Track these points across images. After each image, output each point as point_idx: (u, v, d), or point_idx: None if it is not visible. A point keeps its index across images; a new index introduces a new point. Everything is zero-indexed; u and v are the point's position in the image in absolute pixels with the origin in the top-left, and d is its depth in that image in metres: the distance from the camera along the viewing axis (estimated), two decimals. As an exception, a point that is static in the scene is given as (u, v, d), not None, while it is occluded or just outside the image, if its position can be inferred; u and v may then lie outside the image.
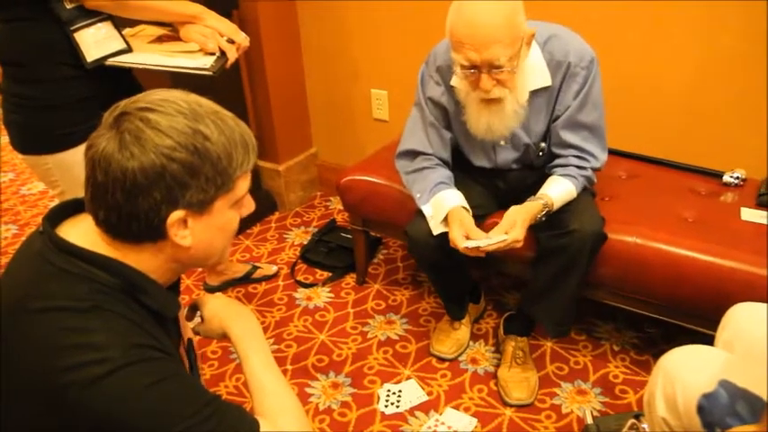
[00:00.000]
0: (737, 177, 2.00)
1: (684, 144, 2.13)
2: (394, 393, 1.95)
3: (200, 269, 2.50)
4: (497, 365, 2.00)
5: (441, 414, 1.87)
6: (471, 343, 2.13)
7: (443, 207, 1.73)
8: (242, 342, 1.12)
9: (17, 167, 3.53)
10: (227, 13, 2.30)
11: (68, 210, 1.00)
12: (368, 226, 2.31)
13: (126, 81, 1.72)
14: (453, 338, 2.09)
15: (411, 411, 1.88)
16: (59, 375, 0.83)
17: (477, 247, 1.61)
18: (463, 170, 1.90)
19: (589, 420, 1.70)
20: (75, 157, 1.59)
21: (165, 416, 0.87)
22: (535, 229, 1.73)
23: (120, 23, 1.66)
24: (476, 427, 1.83)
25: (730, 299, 1.42)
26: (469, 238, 1.65)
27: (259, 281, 2.49)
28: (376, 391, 1.96)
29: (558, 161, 1.79)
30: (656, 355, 1.38)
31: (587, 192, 1.82)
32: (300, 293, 2.42)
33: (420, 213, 1.81)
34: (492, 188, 1.94)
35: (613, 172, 2.09)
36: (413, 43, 2.46)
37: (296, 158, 2.95)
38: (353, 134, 2.90)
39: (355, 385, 1.99)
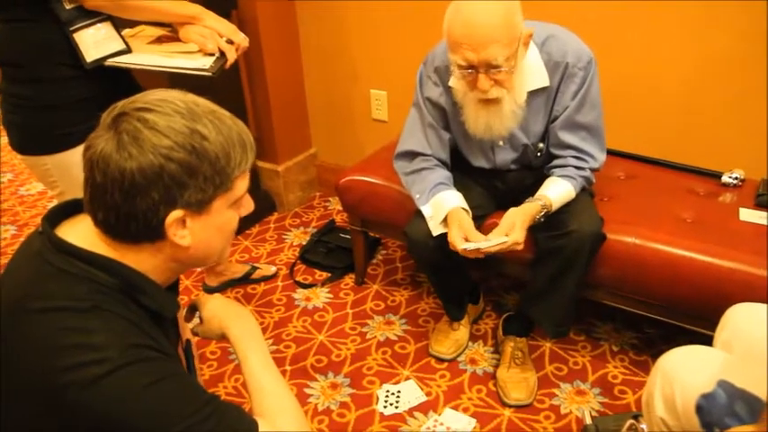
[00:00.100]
0: (736, 178, 2.00)
1: (683, 144, 2.13)
2: (393, 394, 1.95)
3: (198, 270, 2.50)
4: (496, 366, 2.00)
5: (440, 414, 1.87)
6: (470, 343, 2.13)
7: (443, 208, 1.73)
8: (241, 343, 1.12)
9: (16, 168, 3.52)
10: (226, 14, 2.30)
11: (67, 210, 1.00)
12: (367, 226, 2.31)
13: (125, 82, 1.72)
14: (452, 339, 2.09)
15: (410, 412, 1.88)
16: (59, 375, 0.83)
17: (477, 249, 1.61)
18: (462, 171, 1.90)
19: (588, 421, 1.70)
20: (74, 158, 1.59)
21: (164, 416, 0.87)
22: (534, 229, 1.73)
23: (119, 24, 1.66)
24: (475, 427, 1.83)
25: (729, 299, 1.42)
26: (468, 239, 1.65)
27: (258, 281, 2.49)
28: (375, 391, 1.96)
29: (556, 162, 1.79)
30: (655, 356, 1.38)
31: (586, 192, 1.83)
32: (299, 294, 2.42)
33: (419, 214, 1.81)
34: (491, 189, 1.94)
35: (612, 172, 2.10)
36: (412, 44, 2.46)
37: (295, 159, 2.95)
38: (353, 135, 2.91)
39: (354, 386, 1.99)
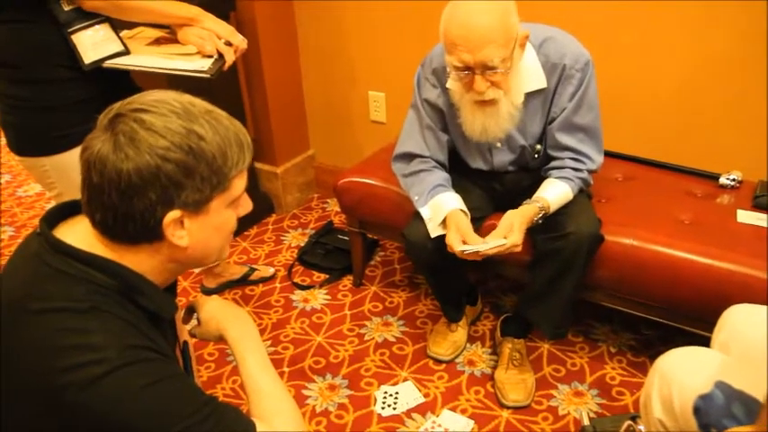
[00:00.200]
0: (734, 179, 2.01)
1: (681, 146, 2.14)
2: (391, 395, 1.95)
3: (196, 271, 2.50)
4: (494, 367, 2.01)
5: (437, 416, 1.87)
6: (468, 345, 2.13)
7: (442, 210, 1.73)
8: (239, 344, 1.12)
9: (14, 169, 3.52)
10: (224, 15, 2.31)
11: (65, 211, 1.00)
12: (365, 228, 2.31)
13: (124, 83, 1.72)
14: (450, 340, 2.09)
15: (408, 413, 1.88)
16: (57, 376, 0.83)
17: (477, 252, 1.61)
18: (460, 172, 1.90)
19: (586, 422, 1.71)
20: (72, 159, 1.58)
21: (162, 416, 0.87)
22: (532, 231, 1.73)
23: (118, 25, 1.66)
24: (473, 428, 1.83)
25: (727, 301, 1.42)
26: (466, 242, 1.65)
27: (256, 283, 2.49)
28: (373, 393, 1.96)
29: (553, 163, 1.79)
30: (653, 357, 1.38)
31: (584, 194, 1.83)
32: (297, 295, 2.42)
33: (417, 216, 1.81)
34: (489, 190, 1.94)
35: (610, 174, 2.10)
36: (411, 45, 2.46)
37: (293, 160, 2.95)
38: (351, 136, 2.91)
39: (352, 387, 1.99)
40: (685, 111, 2.09)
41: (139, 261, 0.95)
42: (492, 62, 1.53)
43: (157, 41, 1.75)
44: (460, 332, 2.11)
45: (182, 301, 2.33)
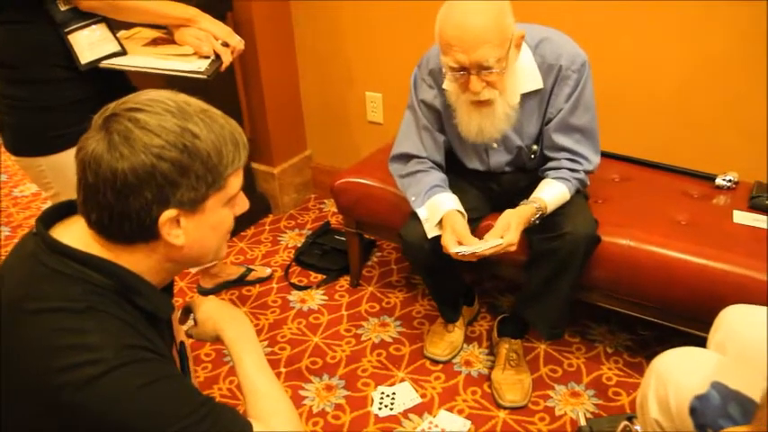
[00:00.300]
0: (730, 180, 2.01)
1: (677, 147, 2.14)
2: (388, 396, 1.95)
3: (193, 271, 2.50)
4: (491, 368, 2.01)
5: (434, 416, 1.87)
6: (465, 345, 2.13)
7: (439, 210, 1.74)
8: (235, 345, 1.12)
9: (10, 169, 3.51)
10: (221, 16, 2.30)
11: (62, 211, 1.00)
12: (362, 228, 2.31)
13: (120, 83, 1.72)
14: (447, 341, 2.09)
15: (405, 414, 1.88)
16: (55, 376, 0.83)
17: (473, 252, 1.62)
18: (457, 173, 1.90)
19: (582, 422, 1.71)
20: (68, 159, 1.58)
21: (159, 416, 0.87)
22: (528, 232, 1.73)
23: (115, 26, 1.66)
24: (469, 429, 1.83)
25: (723, 301, 1.42)
26: (462, 243, 1.65)
27: (253, 283, 2.49)
28: (370, 393, 1.96)
29: (550, 164, 1.79)
30: (650, 358, 1.38)
31: (580, 194, 1.83)
32: (294, 296, 2.42)
33: (414, 216, 1.82)
34: (486, 191, 1.94)
35: (606, 175, 2.10)
36: (407, 46, 2.46)
37: (290, 161, 2.95)
38: (348, 137, 2.91)
39: (349, 388, 1.99)
40: (682, 112, 2.10)
41: (136, 261, 0.95)
42: (487, 62, 1.53)
43: (154, 42, 1.75)
44: (457, 333, 2.11)
45: (178, 301, 2.33)
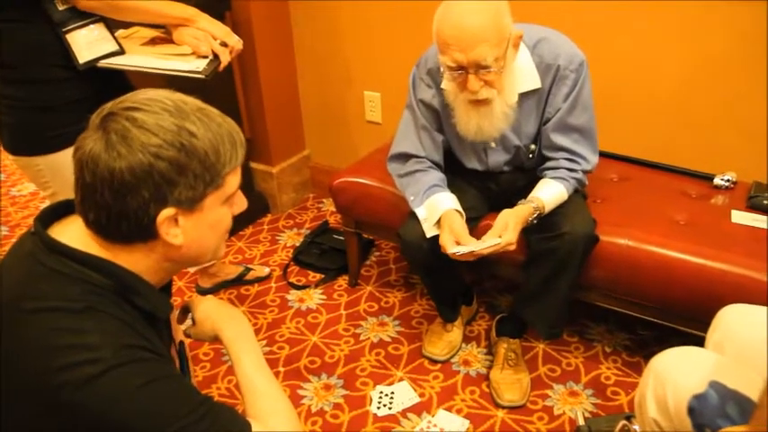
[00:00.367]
0: (728, 180, 2.01)
1: (675, 147, 2.14)
2: (386, 395, 1.95)
3: (191, 271, 2.50)
4: (489, 367, 2.01)
5: (433, 416, 1.87)
6: (464, 345, 2.13)
7: (437, 210, 1.74)
8: (234, 344, 1.12)
9: (8, 168, 3.51)
10: (219, 15, 2.30)
11: (60, 211, 1.00)
12: (360, 228, 2.31)
13: (118, 83, 1.72)
14: (446, 340, 2.09)
15: (403, 413, 1.88)
16: (54, 376, 0.83)
17: (471, 252, 1.62)
18: (455, 173, 1.90)
19: (581, 422, 1.71)
20: (66, 159, 1.57)
21: (158, 416, 0.87)
22: (527, 231, 1.73)
23: (113, 25, 1.66)
24: (468, 428, 1.83)
25: (721, 301, 1.42)
26: (459, 243, 1.65)
27: (251, 283, 2.49)
28: (368, 392, 1.96)
29: (548, 164, 1.80)
30: (648, 357, 1.38)
31: (579, 194, 1.83)
32: (293, 295, 2.42)
33: (413, 216, 1.82)
34: (484, 190, 1.94)
35: (605, 174, 2.10)
36: (406, 46, 2.46)
37: (289, 160, 2.95)
38: (346, 136, 2.91)
39: (348, 387, 1.99)
40: (680, 112, 2.10)
41: (134, 260, 0.94)
42: (485, 61, 1.53)
43: (153, 41, 1.75)
44: (456, 332, 2.11)
45: (177, 300, 2.33)
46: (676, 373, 1.20)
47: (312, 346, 2.17)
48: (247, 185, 2.73)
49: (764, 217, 1.84)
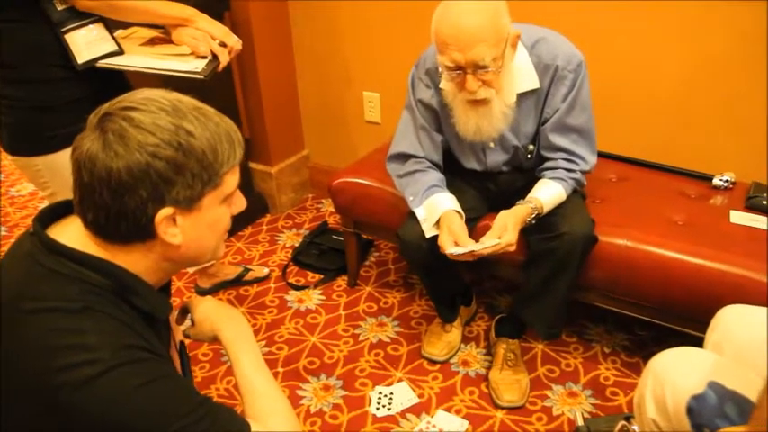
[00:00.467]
0: (727, 180, 2.02)
1: (674, 147, 2.14)
2: (385, 396, 1.95)
3: (191, 271, 2.50)
4: (489, 368, 2.01)
5: (432, 416, 1.87)
6: (463, 345, 2.13)
7: (436, 210, 1.74)
8: (233, 345, 1.12)
9: (7, 168, 3.50)
10: (218, 16, 2.30)
11: (59, 211, 1.00)
12: (359, 228, 2.31)
13: (117, 83, 1.72)
14: (445, 341, 2.09)
15: (402, 414, 1.88)
16: (53, 376, 0.83)
17: (472, 252, 1.62)
18: (454, 173, 1.90)
19: (580, 422, 1.71)
20: (64, 159, 1.57)
21: (158, 416, 0.87)
22: (526, 232, 1.73)
23: (112, 25, 1.66)
24: (467, 429, 1.83)
25: (720, 301, 1.43)
26: (458, 244, 1.65)
27: (250, 283, 2.49)
28: (367, 393, 1.96)
29: (547, 164, 1.80)
30: (647, 358, 1.38)
31: (578, 194, 1.83)
32: (292, 296, 2.42)
33: (412, 216, 1.82)
34: (483, 191, 1.94)
35: (603, 175, 2.10)
36: (405, 46, 2.46)
37: (288, 161, 2.95)
38: (345, 136, 2.91)
39: (347, 388, 1.99)
40: (679, 112, 2.10)
41: (133, 261, 0.94)
42: (483, 61, 1.54)
43: (152, 42, 1.75)
44: (455, 332, 2.11)
45: (176, 301, 2.32)
46: (675, 374, 1.20)
47: (311, 346, 2.17)
48: (246, 186, 2.73)
49: (763, 217, 1.84)
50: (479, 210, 1.91)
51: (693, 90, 2.05)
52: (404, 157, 1.89)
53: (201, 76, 1.63)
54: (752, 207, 1.90)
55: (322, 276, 2.50)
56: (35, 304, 0.87)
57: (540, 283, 1.79)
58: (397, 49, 2.53)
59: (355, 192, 2.17)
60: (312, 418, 1.88)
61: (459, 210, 1.74)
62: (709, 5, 1.91)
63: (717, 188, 2.03)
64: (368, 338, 2.19)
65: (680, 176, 2.10)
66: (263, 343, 2.18)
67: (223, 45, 1.70)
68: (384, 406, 1.91)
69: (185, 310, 1.24)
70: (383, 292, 2.42)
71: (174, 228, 0.93)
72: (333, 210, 2.78)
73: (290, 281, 2.49)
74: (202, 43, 1.67)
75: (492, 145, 1.82)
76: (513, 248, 1.64)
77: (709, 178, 2.05)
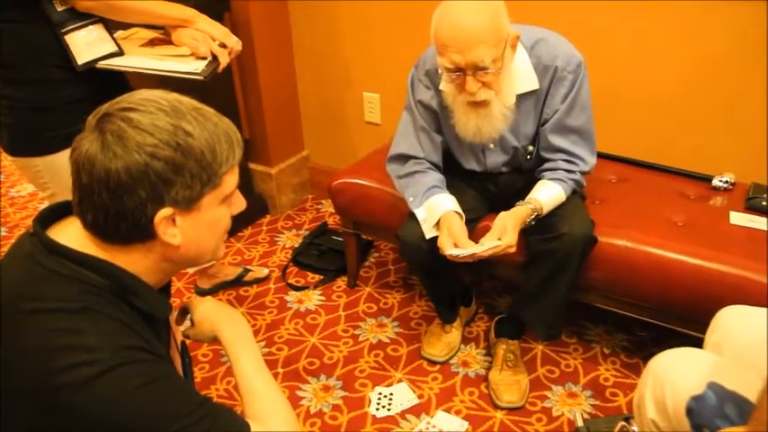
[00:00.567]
0: (726, 181, 2.02)
1: (674, 148, 2.14)
2: (385, 396, 1.95)
3: (190, 272, 2.50)
4: (488, 368, 2.01)
5: (432, 417, 1.87)
6: (462, 346, 2.13)
7: (437, 211, 1.74)
8: (233, 345, 1.12)
9: (7, 169, 3.50)
10: (219, 16, 2.30)
11: (59, 212, 1.00)
12: (359, 229, 2.31)
13: (117, 84, 1.72)
14: (444, 341, 2.09)
15: (402, 414, 1.88)
16: (53, 376, 0.83)
17: (473, 254, 1.62)
18: (454, 174, 1.90)
19: (580, 423, 1.71)
20: (65, 160, 1.56)
21: (158, 416, 0.87)
22: (525, 232, 1.73)
23: (112, 26, 1.66)
24: (467, 429, 1.83)
25: (719, 302, 1.43)
26: (457, 245, 1.65)
27: (250, 284, 2.49)
28: (367, 394, 1.96)
29: (546, 165, 1.80)
30: (647, 358, 1.38)
31: (577, 195, 1.83)
32: (292, 296, 2.42)
33: (412, 217, 1.82)
34: (483, 192, 1.94)
35: (603, 175, 2.11)
36: (405, 47, 2.46)
37: (288, 161, 2.95)
38: (345, 137, 2.91)
39: (346, 388, 1.99)
40: (678, 113, 2.10)
41: (133, 261, 0.94)
42: (483, 63, 1.54)
43: (152, 42, 1.75)
44: (455, 333, 2.11)
45: (175, 302, 2.32)
46: (675, 375, 1.20)
47: (311, 347, 2.17)
48: (246, 186, 2.73)
49: (763, 218, 1.84)
50: (479, 210, 1.91)
51: (693, 90, 2.05)
52: (404, 158, 1.89)
53: (201, 77, 1.63)
54: (751, 208, 1.90)
55: (322, 277, 2.50)
56: (35, 305, 0.87)
57: (540, 284, 1.79)
58: (397, 49, 2.53)
59: (355, 192, 2.17)
60: (312, 419, 1.88)
61: (459, 210, 1.74)
62: (710, 5, 1.91)
63: (716, 189, 2.03)
64: (368, 339, 2.19)
65: (679, 177, 2.10)
66: (263, 344, 2.18)
67: (223, 46, 1.70)
68: (384, 407, 1.91)
69: (185, 311, 1.24)
70: (383, 292, 2.42)
71: (174, 228, 0.93)
72: (333, 210, 2.78)
73: (289, 281, 2.49)
74: (202, 44, 1.67)
75: (492, 146, 1.82)
76: (512, 250, 1.64)
77: (708, 179, 2.05)
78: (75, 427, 0.85)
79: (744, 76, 1.94)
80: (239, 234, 2.81)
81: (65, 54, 1.57)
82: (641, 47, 2.07)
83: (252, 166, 2.90)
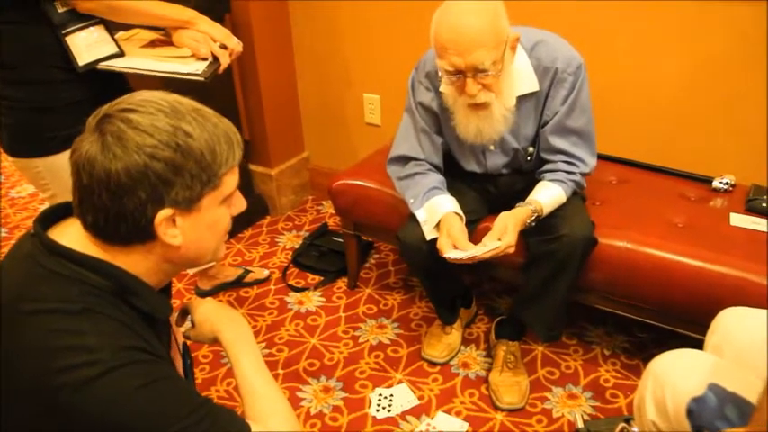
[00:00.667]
0: (726, 183, 2.02)
1: (674, 150, 2.14)
2: (385, 398, 1.95)
3: (191, 272, 2.50)
4: (488, 370, 2.01)
5: (432, 418, 1.87)
6: (463, 347, 2.13)
7: (437, 212, 1.74)
8: (233, 346, 1.12)
9: (7, 170, 3.50)
10: (219, 18, 2.31)
11: (59, 213, 1.00)
12: (359, 230, 2.31)
13: (117, 85, 1.72)
14: (445, 343, 2.09)
15: (402, 416, 1.88)
16: (53, 377, 0.83)
17: (473, 256, 1.62)
18: (454, 175, 1.91)
19: (580, 424, 1.71)
20: (65, 161, 1.56)
21: (158, 417, 0.87)
22: (526, 234, 1.73)
23: (113, 27, 1.66)
24: (467, 431, 1.83)
25: (720, 303, 1.43)
26: (456, 247, 1.65)
27: (251, 285, 2.49)
28: (367, 395, 1.96)
29: (547, 166, 1.80)
30: (647, 360, 1.38)
31: (578, 196, 1.83)
32: (292, 297, 2.42)
33: (412, 218, 1.82)
34: (483, 193, 1.94)
35: (603, 177, 2.11)
36: (406, 48, 2.46)
37: (288, 162, 2.95)
38: (346, 138, 2.91)
39: (347, 389, 1.99)
40: (679, 114, 2.10)
41: (133, 262, 0.95)
42: (483, 65, 1.54)
43: (152, 44, 1.75)
44: (455, 334, 2.11)
45: (176, 303, 2.32)
46: (675, 376, 1.20)
47: (311, 348, 2.17)
48: (246, 187, 2.73)
49: (763, 220, 1.84)
50: (479, 212, 1.91)
51: (693, 91, 2.05)
52: (404, 160, 1.89)
53: (202, 78, 1.63)
54: (752, 209, 1.90)
55: (322, 278, 2.51)
56: (35, 305, 0.87)
57: (540, 285, 1.79)
58: (397, 51, 2.54)
59: (355, 194, 2.17)
60: (312, 420, 1.88)
61: (460, 212, 1.75)
62: (710, 6, 1.91)
63: (717, 190, 2.03)
64: (368, 340, 2.19)
65: (680, 179, 2.10)
66: (264, 345, 2.18)
67: (224, 47, 1.70)
68: (384, 408, 1.91)
69: (185, 312, 1.24)
70: (383, 293, 2.42)
71: (174, 229, 0.93)
72: (333, 212, 2.78)
73: (290, 283, 2.49)
74: (203, 45, 1.68)
75: (492, 147, 1.82)
76: (512, 250, 1.65)
77: (708, 180, 2.05)
78: (75, 427, 0.85)
79: (744, 76, 1.94)
80: (239, 235, 2.82)
81: (65, 55, 1.57)
82: (641, 48, 2.07)
83: (252, 167, 2.90)
